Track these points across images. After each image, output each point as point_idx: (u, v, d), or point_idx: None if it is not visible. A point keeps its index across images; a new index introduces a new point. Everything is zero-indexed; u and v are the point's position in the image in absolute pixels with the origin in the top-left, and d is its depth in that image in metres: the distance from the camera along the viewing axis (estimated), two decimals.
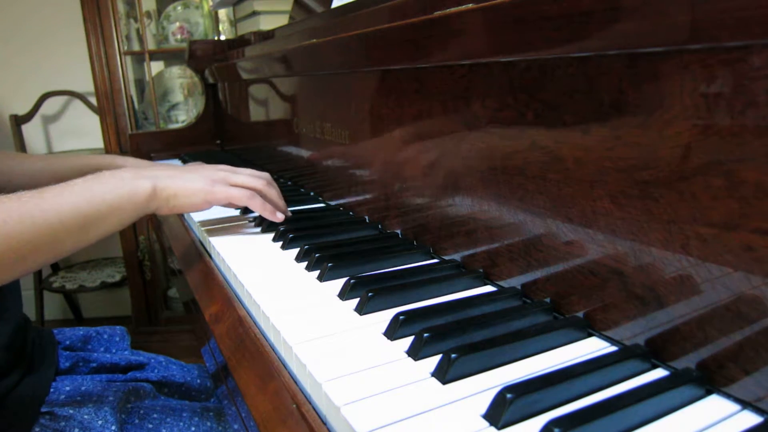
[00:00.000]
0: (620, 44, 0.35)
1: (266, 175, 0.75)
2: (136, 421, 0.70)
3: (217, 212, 0.85)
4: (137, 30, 2.05)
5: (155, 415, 0.72)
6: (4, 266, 0.52)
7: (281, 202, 0.75)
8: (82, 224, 0.57)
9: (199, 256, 0.72)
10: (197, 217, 0.82)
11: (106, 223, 0.60)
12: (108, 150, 1.99)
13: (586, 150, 0.41)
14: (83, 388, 0.72)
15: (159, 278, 2.13)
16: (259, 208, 0.70)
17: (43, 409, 0.67)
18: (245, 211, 0.83)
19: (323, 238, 0.68)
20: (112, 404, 0.69)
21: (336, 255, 0.60)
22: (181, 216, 0.90)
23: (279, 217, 0.72)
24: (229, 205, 0.75)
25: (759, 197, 0.30)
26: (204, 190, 0.67)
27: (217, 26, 2.10)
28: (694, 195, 0.34)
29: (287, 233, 0.68)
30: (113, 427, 0.66)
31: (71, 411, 0.66)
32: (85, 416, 0.66)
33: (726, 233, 0.32)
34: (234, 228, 0.76)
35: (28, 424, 0.64)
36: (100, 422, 0.66)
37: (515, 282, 0.50)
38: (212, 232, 0.74)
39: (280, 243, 0.68)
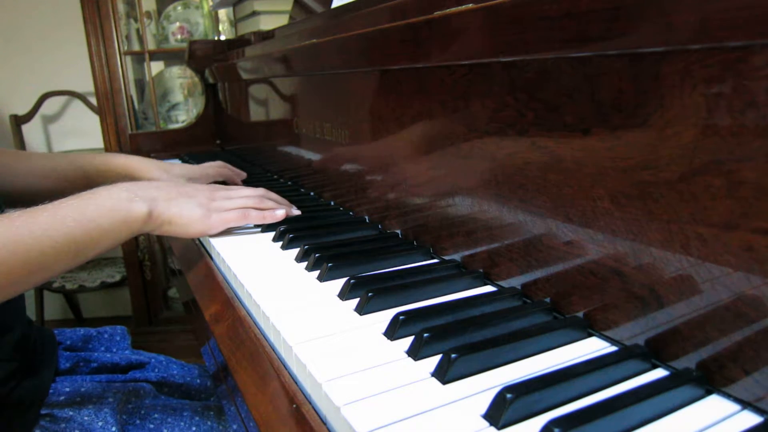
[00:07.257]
0: (620, 44, 0.35)
1: (261, 189, 0.76)
2: (137, 421, 0.70)
3: None
4: (137, 30, 2.05)
5: (156, 415, 0.71)
6: None
7: (283, 201, 0.77)
8: (74, 251, 0.56)
9: (200, 256, 0.72)
10: None
11: (99, 245, 0.59)
12: (108, 150, 1.99)
13: (586, 150, 0.41)
14: (83, 390, 0.72)
15: (159, 278, 2.13)
16: (259, 221, 0.72)
17: (43, 411, 0.67)
18: None
19: (323, 238, 0.68)
20: (112, 405, 0.68)
21: (336, 255, 0.60)
22: None
23: (279, 214, 0.72)
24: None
25: (759, 197, 0.30)
26: (201, 221, 0.67)
27: (217, 26, 2.10)
28: (694, 195, 0.34)
29: (287, 233, 0.68)
30: (113, 429, 0.65)
31: (71, 412, 0.66)
32: (85, 418, 0.66)
33: (726, 233, 0.32)
34: (234, 228, 0.76)
35: (28, 426, 0.64)
36: (100, 423, 0.65)
37: (515, 282, 0.50)
38: None
39: (280, 243, 0.68)
